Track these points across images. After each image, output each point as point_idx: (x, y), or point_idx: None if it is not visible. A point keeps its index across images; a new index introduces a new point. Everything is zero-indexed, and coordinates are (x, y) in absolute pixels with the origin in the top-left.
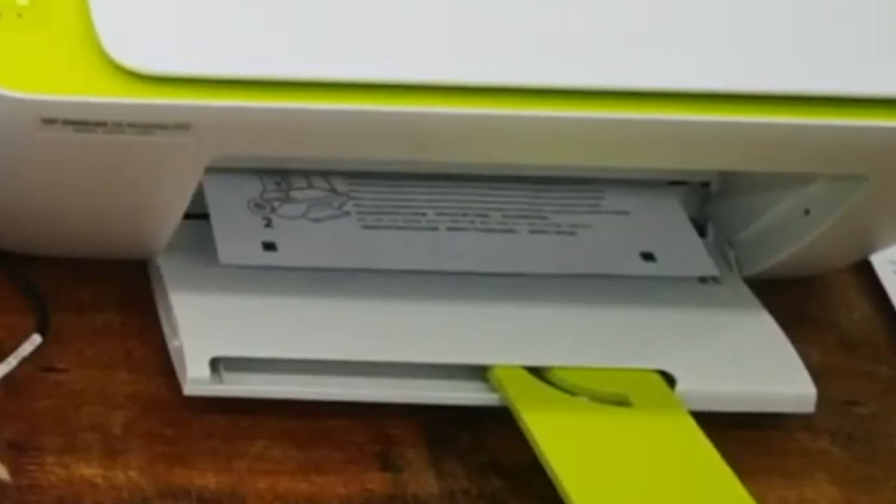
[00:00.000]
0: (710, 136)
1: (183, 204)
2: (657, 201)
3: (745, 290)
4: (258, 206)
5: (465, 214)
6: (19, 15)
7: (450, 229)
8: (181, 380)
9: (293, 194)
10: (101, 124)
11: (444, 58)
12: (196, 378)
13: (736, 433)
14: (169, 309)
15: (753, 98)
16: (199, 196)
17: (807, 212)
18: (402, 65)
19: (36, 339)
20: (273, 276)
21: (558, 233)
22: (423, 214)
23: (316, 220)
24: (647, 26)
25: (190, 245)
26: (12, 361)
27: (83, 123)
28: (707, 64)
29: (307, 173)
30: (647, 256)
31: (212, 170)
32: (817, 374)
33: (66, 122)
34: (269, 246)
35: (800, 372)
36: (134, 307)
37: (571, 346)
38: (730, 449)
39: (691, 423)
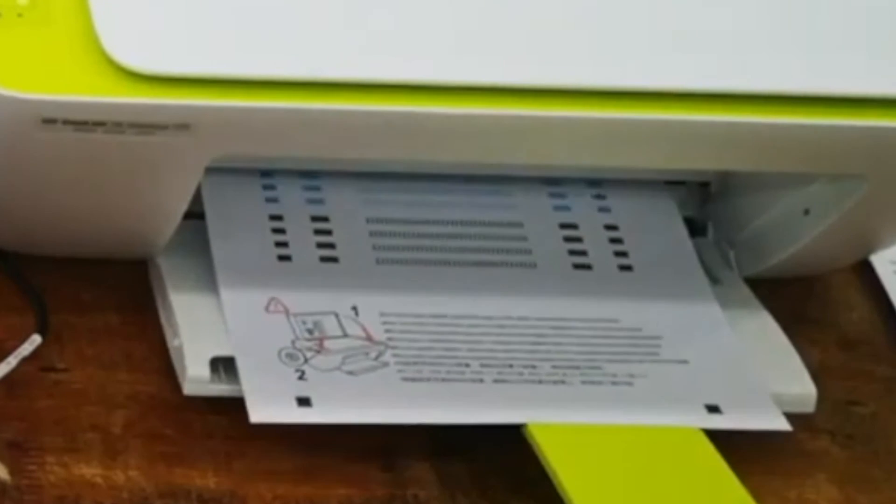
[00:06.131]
0: (710, 136)
1: (183, 204)
2: (719, 348)
3: (745, 290)
4: (290, 356)
5: (511, 366)
6: (20, 15)
7: (497, 381)
8: (181, 380)
9: (327, 344)
10: (101, 124)
11: (444, 58)
12: (196, 378)
13: (736, 433)
14: (169, 309)
15: (753, 98)
16: (198, 196)
17: (807, 212)
18: (403, 65)
19: (36, 339)
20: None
21: (614, 383)
22: (467, 366)
23: (352, 374)
24: (647, 26)
25: (190, 245)
26: (12, 361)
27: (83, 123)
28: (707, 64)
29: (339, 316)
30: (713, 409)
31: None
32: (817, 374)
33: (66, 122)
34: (304, 401)
35: (800, 372)
36: (134, 307)
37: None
38: (730, 449)
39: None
